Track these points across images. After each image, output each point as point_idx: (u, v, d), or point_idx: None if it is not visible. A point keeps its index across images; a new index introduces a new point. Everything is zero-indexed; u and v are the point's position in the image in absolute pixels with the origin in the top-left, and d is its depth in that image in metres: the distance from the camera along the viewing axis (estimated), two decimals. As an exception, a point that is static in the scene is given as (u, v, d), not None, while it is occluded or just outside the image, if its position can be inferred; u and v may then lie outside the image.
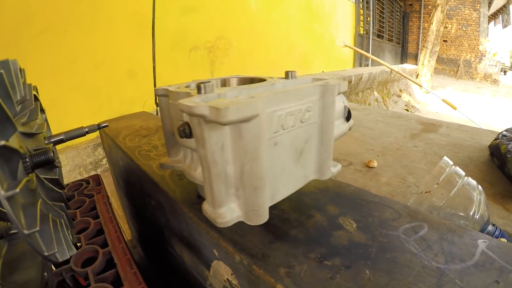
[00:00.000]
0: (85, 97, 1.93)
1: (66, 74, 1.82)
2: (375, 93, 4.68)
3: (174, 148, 0.47)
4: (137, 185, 0.71)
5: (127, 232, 1.13)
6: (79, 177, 1.92)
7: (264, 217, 0.33)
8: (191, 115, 0.27)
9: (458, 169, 0.55)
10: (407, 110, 5.64)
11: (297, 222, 0.41)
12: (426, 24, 10.35)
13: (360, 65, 6.06)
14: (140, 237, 0.91)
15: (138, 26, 2.18)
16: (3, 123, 0.26)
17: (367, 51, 6.45)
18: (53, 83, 1.76)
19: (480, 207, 0.50)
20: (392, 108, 5.06)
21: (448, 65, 11.46)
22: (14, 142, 0.28)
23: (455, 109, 4.11)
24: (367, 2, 6.53)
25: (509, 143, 0.89)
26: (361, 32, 6.25)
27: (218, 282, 0.45)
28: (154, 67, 1.67)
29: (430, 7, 9.62)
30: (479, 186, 0.54)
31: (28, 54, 1.65)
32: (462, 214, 0.50)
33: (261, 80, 0.44)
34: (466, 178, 0.54)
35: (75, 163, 1.92)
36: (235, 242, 0.38)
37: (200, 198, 0.48)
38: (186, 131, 0.32)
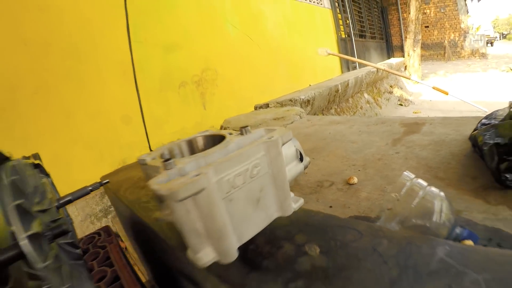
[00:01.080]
0: (86, 148, 2.03)
1: (64, 128, 1.93)
2: (366, 95, 4.76)
3: (161, 204, 0.55)
4: (142, 233, 0.78)
5: (145, 273, 1.20)
6: (91, 226, 2.01)
7: (232, 257, 0.40)
8: (157, 195, 0.35)
9: (419, 181, 0.62)
10: (401, 105, 5.71)
11: (269, 254, 0.48)
12: (405, 14, 10.52)
13: (348, 69, 6.17)
14: (155, 277, 0.97)
15: (124, 72, 2.30)
16: (26, 217, 0.35)
17: (352, 53, 6.57)
18: (53, 139, 1.86)
19: (442, 214, 0.56)
20: (385, 107, 5.13)
21: (435, 50, 11.58)
22: (35, 226, 0.36)
23: (447, 94, 4.18)
24: (343, 5, 6.68)
25: (486, 134, 0.91)
26: (343, 36, 6.38)
27: None
28: (141, 111, 1.77)
29: (405, -2, 9.80)
30: (441, 193, 0.59)
31: (24, 115, 1.75)
32: (425, 224, 0.56)
33: (221, 137, 0.52)
34: (428, 188, 0.60)
35: (85, 213, 2.01)
36: (221, 275, 0.46)
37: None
38: (161, 200, 0.40)
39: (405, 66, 7.89)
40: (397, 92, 6.23)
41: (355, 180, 0.93)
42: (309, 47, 4.86)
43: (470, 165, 0.93)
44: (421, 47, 8.33)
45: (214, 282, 0.46)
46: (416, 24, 7.61)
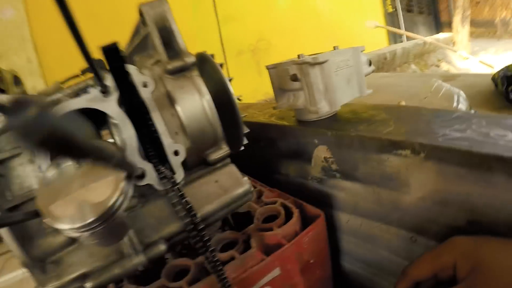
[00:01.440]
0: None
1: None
2: (413, 65, 4.87)
3: (279, 97, 0.89)
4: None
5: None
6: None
7: (337, 108, 0.74)
8: (302, 64, 0.69)
9: (444, 83, 0.93)
10: (447, 78, 5.72)
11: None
12: (455, -11, 10.11)
13: (395, 42, 6.23)
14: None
15: (186, 41, 2.70)
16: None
17: (400, 27, 6.58)
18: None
19: (459, 101, 0.87)
20: (431, 78, 5.21)
21: (486, 27, 11.05)
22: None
23: (493, 68, 4.24)
24: (391, -21, 6.65)
25: (500, 71, 1.26)
26: (390, 10, 6.40)
27: (317, 168, 0.83)
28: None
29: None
30: (460, 91, 0.90)
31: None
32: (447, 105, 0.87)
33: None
34: (450, 86, 0.91)
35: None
36: (326, 127, 0.77)
37: (300, 122, 0.89)
38: (296, 77, 0.74)
39: (454, 42, 7.72)
40: (444, 66, 6.21)
41: (403, 103, 1.24)
42: (357, 21, 5.02)
43: (490, 97, 1.26)
44: (471, 24, 8.05)
45: (321, 133, 0.78)
46: None
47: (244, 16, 3.31)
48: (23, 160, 0.47)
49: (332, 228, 0.87)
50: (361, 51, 0.80)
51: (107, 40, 0.34)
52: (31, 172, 0.47)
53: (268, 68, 0.87)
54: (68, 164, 0.35)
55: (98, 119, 0.51)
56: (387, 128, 0.67)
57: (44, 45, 2.52)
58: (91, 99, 0.46)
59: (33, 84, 2.40)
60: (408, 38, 5.70)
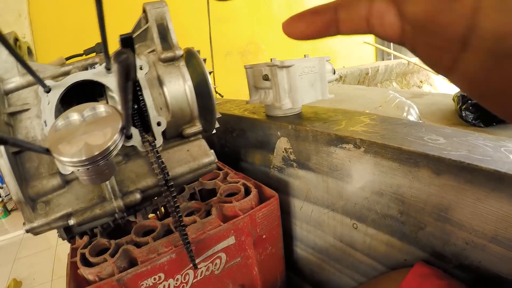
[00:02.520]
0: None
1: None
2: (394, 83, 5.07)
3: (253, 94, 1.02)
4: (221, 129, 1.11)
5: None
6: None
7: (299, 108, 0.87)
8: (272, 66, 0.82)
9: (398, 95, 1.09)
10: (427, 98, 5.94)
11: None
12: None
13: (383, 60, 6.45)
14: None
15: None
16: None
17: (389, 46, 6.82)
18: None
19: (410, 112, 1.03)
20: (411, 97, 5.43)
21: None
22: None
23: (455, 93, 4.47)
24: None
25: (458, 92, 1.41)
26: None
27: (278, 158, 0.96)
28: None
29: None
30: (411, 102, 1.06)
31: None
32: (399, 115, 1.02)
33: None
34: (402, 98, 1.07)
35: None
36: (288, 122, 0.90)
37: (268, 117, 1.02)
38: (267, 77, 0.87)
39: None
40: (426, 87, 6.45)
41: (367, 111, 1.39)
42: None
43: (448, 114, 1.42)
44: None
45: (283, 127, 0.91)
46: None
47: (236, 19, 3.44)
48: (31, 114, 0.59)
49: (287, 214, 1.01)
50: (327, 61, 0.94)
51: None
52: (37, 125, 0.59)
53: (245, 67, 0.99)
54: (74, 118, 0.46)
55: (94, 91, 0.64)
56: (338, 126, 0.80)
57: (40, 23, 2.59)
58: (97, 73, 0.59)
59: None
60: (396, 58, 5.93)
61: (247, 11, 3.58)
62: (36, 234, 0.59)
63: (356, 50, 5.57)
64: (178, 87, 0.64)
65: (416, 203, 0.62)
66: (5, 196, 3.36)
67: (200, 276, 0.74)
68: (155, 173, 0.59)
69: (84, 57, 0.86)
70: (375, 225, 0.74)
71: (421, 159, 0.58)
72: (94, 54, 0.85)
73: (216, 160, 0.71)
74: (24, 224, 0.58)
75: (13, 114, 0.59)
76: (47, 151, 0.43)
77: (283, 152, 0.94)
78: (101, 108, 0.47)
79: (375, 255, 0.77)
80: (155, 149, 0.58)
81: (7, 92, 0.60)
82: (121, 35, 0.41)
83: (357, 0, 0.23)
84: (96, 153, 0.40)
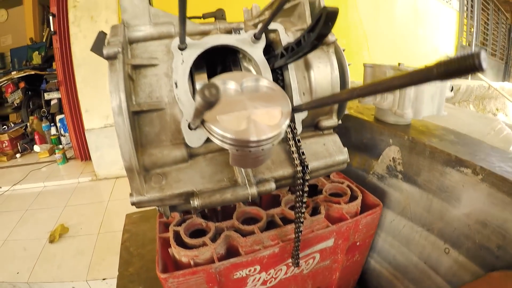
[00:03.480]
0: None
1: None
2: (471, 106, 4.72)
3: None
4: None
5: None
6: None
7: (420, 117, 0.76)
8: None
9: None
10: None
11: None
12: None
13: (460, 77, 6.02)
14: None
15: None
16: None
17: (467, 63, 6.33)
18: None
19: None
20: (484, 124, 5.04)
21: (557, 89, 10.43)
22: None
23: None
24: (471, 12, 6.39)
25: None
26: (464, 43, 6.18)
27: (382, 166, 0.87)
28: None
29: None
30: None
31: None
32: None
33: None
34: None
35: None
36: (403, 131, 0.81)
37: (377, 121, 0.91)
38: None
39: (517, 95, 7.37)
40: (500, 117, 5.97)
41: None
42: (429, 42, 4.88)
43: None
44: (543, 81, 7.64)
45: (398, 136, 0.82)
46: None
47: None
48: (158, 71, 0.52)
49: (376, 224, 0.92)
50: None
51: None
52: (164, 85, 0.52)
53: (365, 65, 0.90)
54: (231, 87, 0.39)
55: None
56: (455, 147, 0.73)
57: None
58: (241, 40, 0.51)
59: (106, 18, 2.50)
60: (474, 77, 5.50)
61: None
62: (140, 207, 0.52)
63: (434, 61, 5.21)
64: (325, 74, 0.57)
65: (517, 241, 0.59)
66: (66, 144, 3.52)
67: (290, 273, 0.69)
68: (294, 163, 0.51)
69: (202, 20, 0.80)
70: (468, 254, 0.69)
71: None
72: (213, 19, 0.78)
73: (349, 160, 0.64)
74: (131, 195, 0.51)
75: (137, 67, 0.52)
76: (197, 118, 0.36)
77: (390, 161, 0.86)
78: (263, 82, 0.39)
79: (457, 283, 0.72)
80: (296, 137, 0.50)
81: (132, 41, 0.53)
82: (327, 8, 0.33)
83: None
84: (268, 136, 0.33)
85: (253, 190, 0.51)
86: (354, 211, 0.73)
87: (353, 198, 0.75)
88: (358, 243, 0.76)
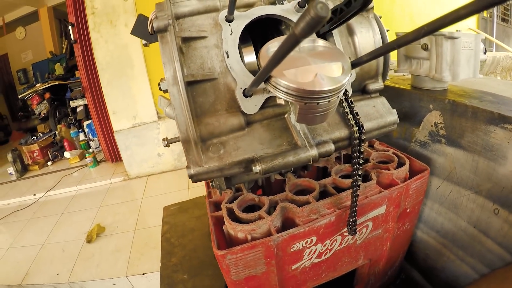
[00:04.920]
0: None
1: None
2: (499, 78, 4.57)
3: (402, 63, 0.90)
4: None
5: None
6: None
7: (458, 79, 0.76)
8: (438, 35, 0.70)
9: None
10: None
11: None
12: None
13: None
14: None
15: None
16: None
17: (491, 35, 6.13)
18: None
19: None
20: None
21: None
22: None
23: None
24: (493, -16, 6.17)
25: None
26: (485, 15, 5.97)
27: (424, 132, 0.86)
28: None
29: None
30: None
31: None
32: None
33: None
34: None
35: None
36: (443, 96, 0.80)
37: (415, 89, 0.90)
38: (426, 47, 0.76)
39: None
40: (528, 87, 5.75)
41: None
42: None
43: None
44: None
45: (439, 100, 0.81)
46: None
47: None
48: (208, 43, 0.54)
49: (422, 192, 0.92)
50: (481, 39, 0.83)
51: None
52: (215, 56, 0.53)
53: (397, 34, 0.89)
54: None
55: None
56: (496, 106, 0.72)
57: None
58: (286, 10, 0.52)
59: (126, 22, 2.54)
60: (498, 49, 5.32)
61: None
62: (198, 181, 0.53)
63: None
64: (368, 39, 0.58)
65: None
66: (95, 148, 3.62)
67: (345, 243, 0.69)
68: (349, 124, 0.52)
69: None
70: None
71: None
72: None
73: (398, 121, 0.63)
74: (188, 167, 0.52)
75: (187, 40, 0.53)
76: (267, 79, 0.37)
77: (432, 126, 0.85)
78: (319, 42, 0.40)
79: (508, 245, 0.71)
80: (349, 99, 0.50)
81: (179, 16, 0.54)
82: None
83: None
84: (334, 87, 0.33)
85: (314, 152, 0.52)
86: (403, 176, 0.72)
87: (400, 164, 0.75)
88: (408, 210, 0.76)
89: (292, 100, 0.36)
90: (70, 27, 2.87)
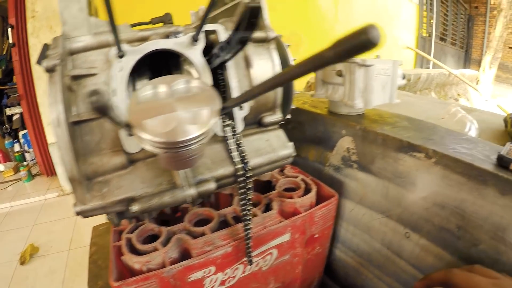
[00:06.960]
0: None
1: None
2: (433, 93, 4.90)
3: (319, 87, 0.94)
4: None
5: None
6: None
7: (370, 106, 0.80)
8: (351, 63, 0.74)
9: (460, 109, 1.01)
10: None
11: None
12: (491, 29, 10.01)
13: (421, 67, 6.25)
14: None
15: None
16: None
17: (429, 54, 6.59)
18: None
19: (471, 127, 0.95)
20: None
21: (513, 73, 10.96)
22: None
23: (508, 114, 4.27)
24: (431, 4, 6.65)
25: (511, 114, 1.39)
26: (424, 34, 6.42)
27: (337, 157, 0.90)
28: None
29: (496, 11, 9.32)
30: (475, 121, 0.97)
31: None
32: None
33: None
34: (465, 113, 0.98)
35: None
36: (355, 122, 0.84)
37: (331, 113, 0.94)
38: (341, 73, 0.80)
39: (477, 81, 7.71)
40: (462, 101, 6.23)
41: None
42: (389, 36, 5.04)
43: (499, 134, 1.35)
44: (499, 67, 7.99)
45: (350, 126, 0.85)
46: (499, 41, 7.32)
47: (283, 8, 3.35)
48: (97, 81, 0.52)
49: (335, 215, 0.94)
50: (399, 65, 0.88)
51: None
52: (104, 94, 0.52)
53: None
54: (162, 91, 0.40)
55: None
56: (407, 133, 0.75)
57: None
58: (180, 44, 0.52)
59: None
60: (435, 66, 5.72)
61: (293, 3, 3.49)
62: (86, 217, 0.52)
63: (396, 55, 5.39)
64: (266, 72, 0.58)
65: (476, 220, 0.61)
66: (31, 161, 3.41)
67: (249, 271, 0.69)
68: (233, 161, 0.53)
69: (150, 26, 0.80)
70: (429, 237, 0.71)
71: (490, 177, 0.57)
72: (162, 24, 0.79)
73: (294, 154, 0.65)
74: (74, 204, 0.50)
75: (77, 78, 0.51)
76: (127, 126, 0.37)
77: (344, 151, 0.88)
78: (194, 83, 0.40)
79: (420, 266, 0.75)
80: (236, 135, 0.51)
81: (73, 52, 0.52)
82: (249, 3, 0.34)
83: None
84: (192, 135, 0.34)
85: (192, 191, 0.52)
86: (308, 204, 0.74)
87: (308, 191, 0.76)
88: (316, 235, 0.77)
89: (152, 150, 0.36)
90: (9, 29, 2.71)
